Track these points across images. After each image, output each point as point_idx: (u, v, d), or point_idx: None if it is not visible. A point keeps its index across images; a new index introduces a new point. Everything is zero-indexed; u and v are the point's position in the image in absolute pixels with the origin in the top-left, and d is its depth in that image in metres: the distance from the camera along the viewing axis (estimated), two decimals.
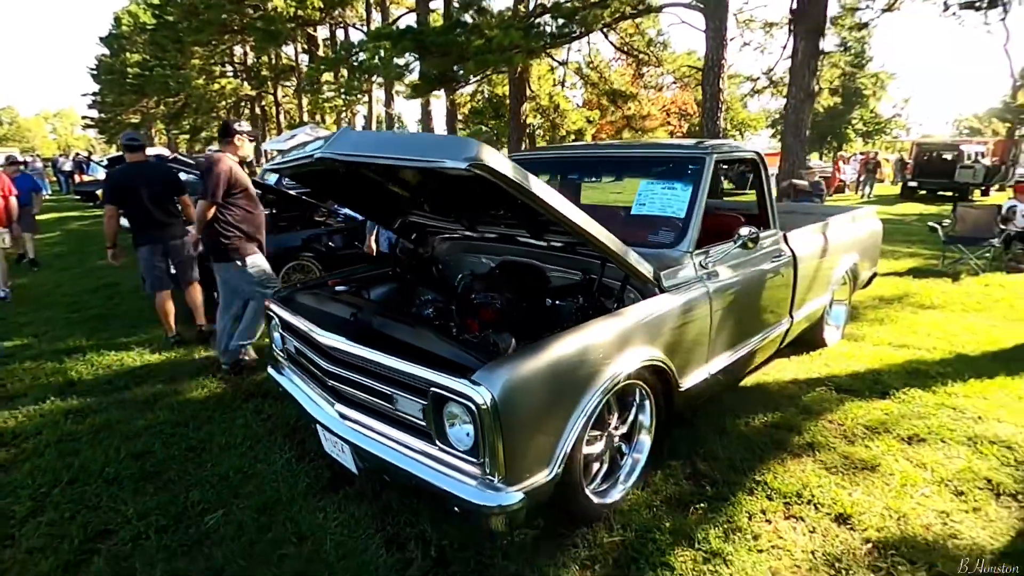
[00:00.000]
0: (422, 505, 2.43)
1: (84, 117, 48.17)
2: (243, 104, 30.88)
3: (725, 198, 11.51)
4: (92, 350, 4.63)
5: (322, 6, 18.90)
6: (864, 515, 2.33)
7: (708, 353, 2.82)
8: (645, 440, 2.60)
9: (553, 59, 15.76)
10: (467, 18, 10.88)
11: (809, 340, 4.23)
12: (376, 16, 20.47)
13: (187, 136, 35.57)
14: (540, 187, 1.98)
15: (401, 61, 11.48)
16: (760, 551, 2.16)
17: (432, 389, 1.94)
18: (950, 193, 17.83)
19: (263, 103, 32.21)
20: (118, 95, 35.19)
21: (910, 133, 43.34)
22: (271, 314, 2.93)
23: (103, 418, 3.42)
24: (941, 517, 2.32)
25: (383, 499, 2.52)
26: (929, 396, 3.39)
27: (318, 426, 2.49)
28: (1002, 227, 7.04)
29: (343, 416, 2.38)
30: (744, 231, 2.84)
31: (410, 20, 18.41)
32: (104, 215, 4.49)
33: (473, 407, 1.82)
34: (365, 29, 20.32)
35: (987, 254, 6.77)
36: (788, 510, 2.38)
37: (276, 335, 2.96)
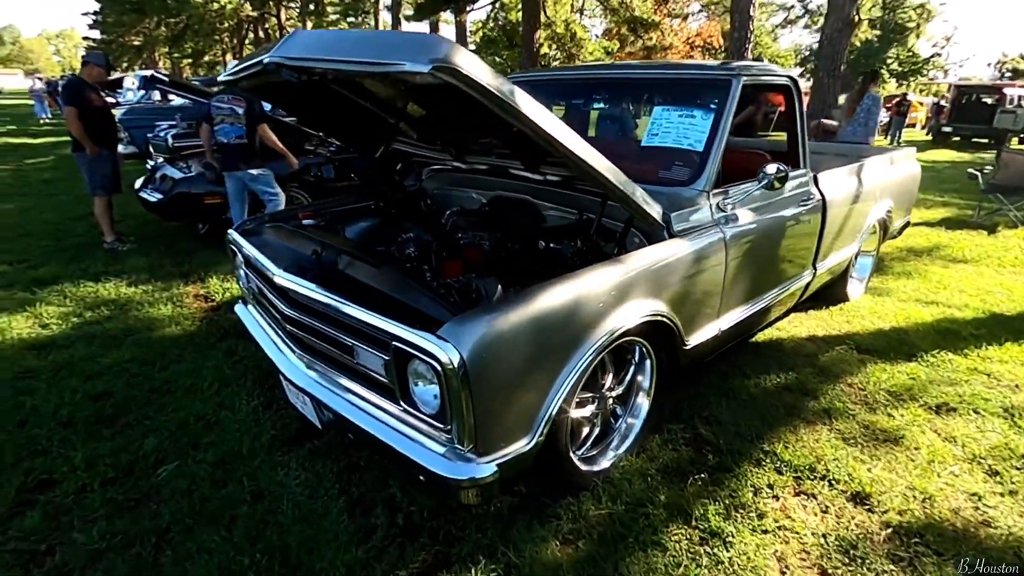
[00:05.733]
0: (393, 465, 2.21)
1: (85, 39, 46.50)
2: (246, 26, 29.51)
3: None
4: (67, 280, 4.39)
5: None
6: (884, 495, 2.07)
7: (720, 307, 2.51)
8: (642, 403, 2.34)
9: None
10: None
11: (830, 294, 3.90)
12: None
13: (189, 60, 34.33)
14: (528, 104, 1.61)
15: None
16: (765, 531, 1.92)
17: (394, 343, 1.66)
18: (986, 140, 16.86)
19: (266, 26, 30.77)
20: (119, 15, 33.65)
21: (948, 75, 40.84)
22: (233, 247, 2.64)
23: (66, 355, 3.21)
24: (972, 500, 2.06)
25: (351, 456, 2.30)
26: (960, 360, 3.08)
27: (280, 375, 2.24)
28: None
29: (303, 365, 2.13)
30: (770, 169, 2.45)
31: None
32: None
33: (438, 367, 1.54)
34: None
35: None
36: (798, 485, 2.13)
37: (240, 272, 2.68)
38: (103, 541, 1.89)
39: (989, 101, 17.46)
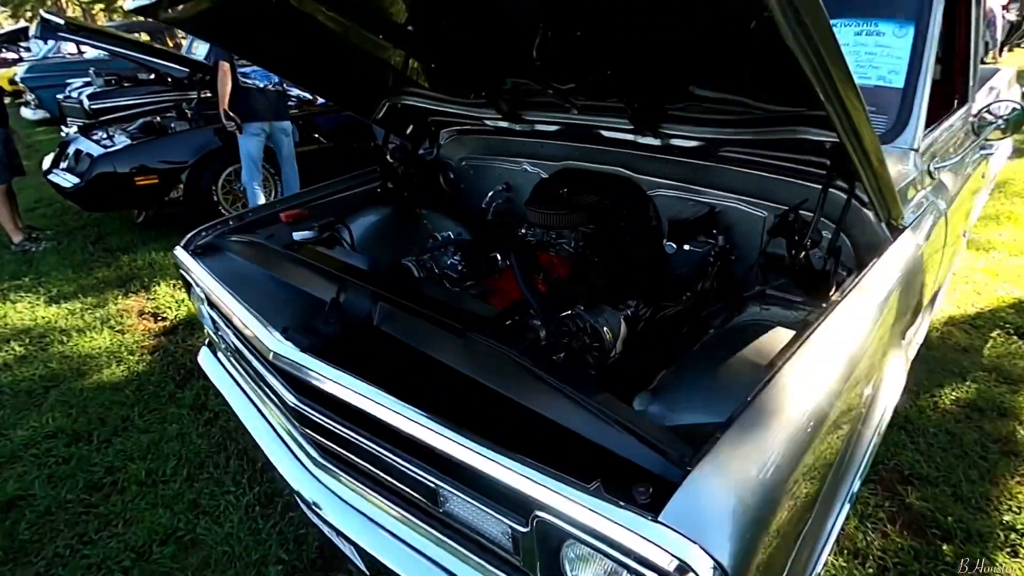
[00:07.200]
0: None
1: None
2: None
3: None
4: None
5: None
6: None
7: (924, 314, 1.75)
8: None
9: None
10: None
11: None
12: None
13: (102, 5, 30.63)
14: None
15: None
16: None
17: (538, 514, 0.84)
18: None
19: None
20: None
21: None
22: (188, 279, 1.71)
23: None
24: None
25: None
26: None
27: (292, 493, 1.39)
28: None
29: (331, 480, 1.28)
30: (1002, 109, 1.66)
31: None
32: None
33: None
34: None
35: None
36: None
37: (203, 309, 1.76)
38: None
39: None
